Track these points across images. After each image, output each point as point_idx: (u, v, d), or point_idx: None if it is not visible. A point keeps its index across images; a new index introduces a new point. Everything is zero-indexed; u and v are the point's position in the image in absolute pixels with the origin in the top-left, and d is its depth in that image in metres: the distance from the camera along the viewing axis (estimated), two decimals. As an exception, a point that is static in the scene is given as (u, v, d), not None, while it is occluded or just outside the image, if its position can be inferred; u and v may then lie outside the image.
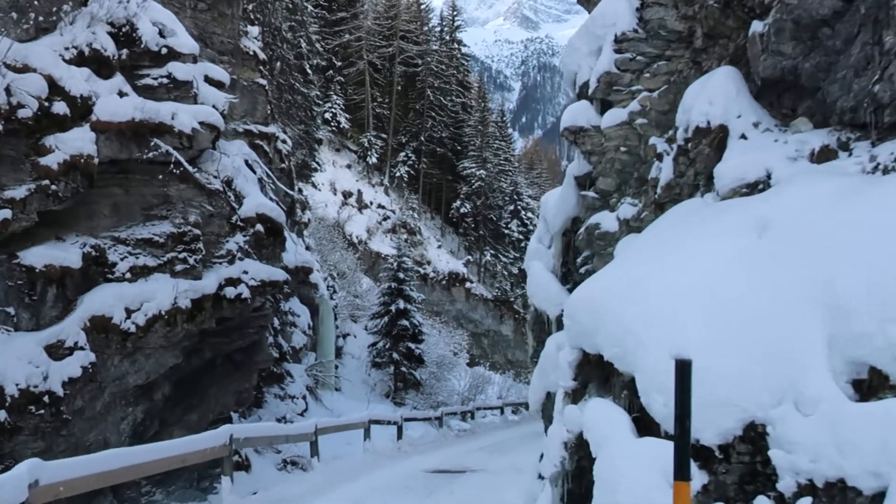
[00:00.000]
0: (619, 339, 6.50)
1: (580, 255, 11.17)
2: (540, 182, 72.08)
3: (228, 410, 16.28)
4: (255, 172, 16.94)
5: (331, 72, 55.16)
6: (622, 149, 9.74)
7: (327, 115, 54.70)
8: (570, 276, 11.84)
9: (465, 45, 66.03)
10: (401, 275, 33.81)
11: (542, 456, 9.37)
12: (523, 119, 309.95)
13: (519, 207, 59.04)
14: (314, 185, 50.37)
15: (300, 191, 46.72)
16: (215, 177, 15.55)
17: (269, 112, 25.15)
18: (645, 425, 6.20)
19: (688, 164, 7.59)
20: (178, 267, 14.48)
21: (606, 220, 10.14)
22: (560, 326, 10.49)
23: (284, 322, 23.75)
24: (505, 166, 59.80)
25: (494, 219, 57.38)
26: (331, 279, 32.13)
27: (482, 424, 31.06)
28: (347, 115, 56.63)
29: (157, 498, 14.59)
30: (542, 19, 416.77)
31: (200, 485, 15.52)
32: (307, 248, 34.21)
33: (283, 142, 26.05)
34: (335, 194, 52.57)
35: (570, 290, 11.07)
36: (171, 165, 14.61)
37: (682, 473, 4.24)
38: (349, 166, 56.16)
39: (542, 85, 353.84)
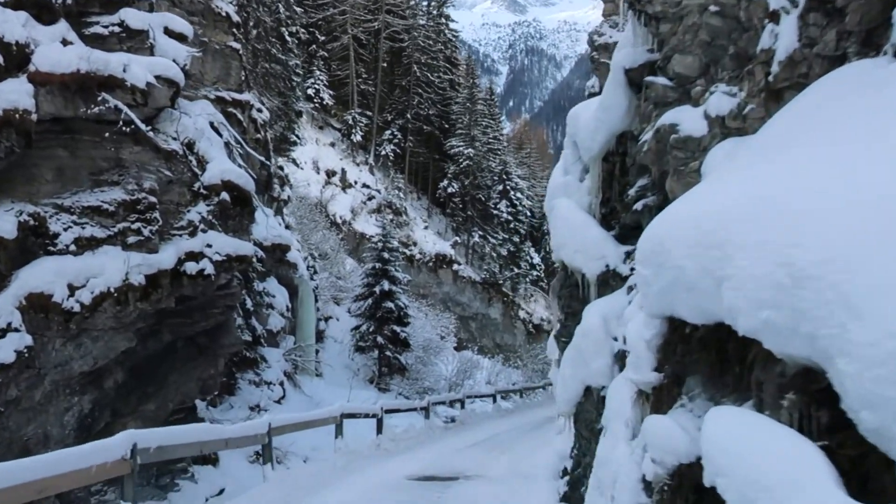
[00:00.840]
0: (780, 294, 3.25)
1: (633, 186, 8.12)
2: (529, 162, 70.50)
3: (192, 399, 14.68)
4: (221, 136, 15.25)
5: (314, 46, 53.23)
6: (712, 8, 6.42)
7: (310, 92, 52.83)
8: (613, 218, 8.92)
9: (453, 21, 64.08)
10: (385, 255, 32.22)
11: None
12: (510, 103, 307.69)
13: (508, 188, 57.37)
14: (296, 164, 48.56)
15: (280, 167, 44.97)
16: (174, 138, 13.87)
17: (243, 78, 23.41)
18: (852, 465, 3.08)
19: (826, 22, 4.59)
20: (131, 239, 12.84)
21: (688, 120, 6.66)
22: (604, 289, 8.09)
23: (259, 303, 22.12)
24: (494, 145, 58.05)
25: (483, 199, 55.71)
26: (311, 259, 30.48)
27: (473, 414, 28.94)
28: (331, 92, 54.76)
29: (108, 497, 12.99)
30: (529, 3, 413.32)
31: (160, 482, 13.94)
32: (287, 226, 32.60)
33: (259, 110, 24.34)
34: (318, 173, 50.78)
35: (619, 238, 8.50)
36: (123, 125, 12.93)
37: None
38: (333, 144, 54.33)
39: (530, 69, 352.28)
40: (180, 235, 13.67)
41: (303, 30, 48.46)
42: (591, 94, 31.92)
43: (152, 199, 13.12)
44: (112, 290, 12.17)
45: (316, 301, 30.19)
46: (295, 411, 22.67)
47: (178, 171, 13.87)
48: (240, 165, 15.62)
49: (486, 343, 53.22)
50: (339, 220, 47.93)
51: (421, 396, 31.71)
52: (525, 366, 44.39)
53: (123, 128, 12.89)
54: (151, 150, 13.47)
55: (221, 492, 14.72)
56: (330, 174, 51.27)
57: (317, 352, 29.23)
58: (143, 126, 13.24)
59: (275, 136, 29.84)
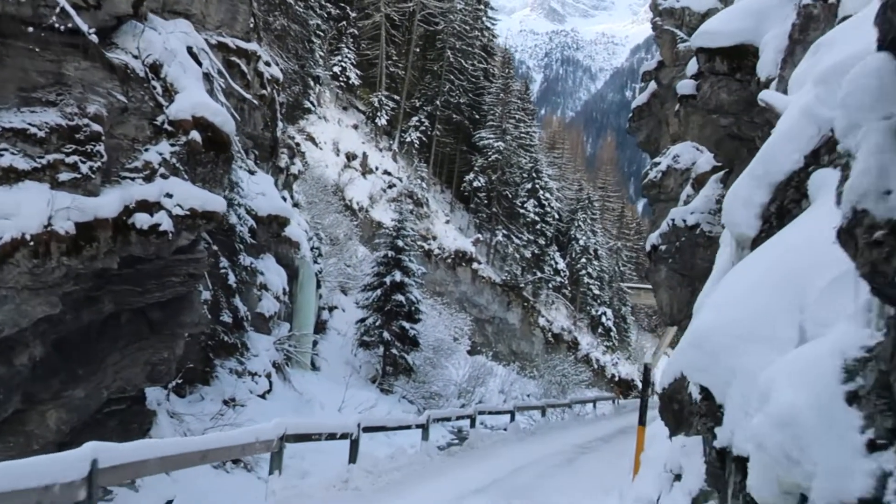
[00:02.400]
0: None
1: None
2: (560, 164, 67.42)
3: (135, 386, 11.71)
4: (200, 65, 12.30)
5: (343, 23, 50.39)
6: None
7: (336, 69, 50.05)
8: None
9: (491, 8, 61.06)
10: (400, 242, 29.22)
11: None
12: (543, 111, 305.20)
13: (537, 186, 54.23)
14: (314, 142, 45.86)
15: (292, 139, 42.20)
16: (135, 56, 10.94)
17: (252, 26, 20.53)
18: None
19: None
20: (64, 175, 9.90)
21: None
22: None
23: (246, 281, 19.16)
24: (525, 140, 54.92)
25: (510, 196, 52.60)
26: (317, 240, 27.55)
27: (484, 435, 22.50)
28: (358, 72, 51.91)
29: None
30: (568, 13, 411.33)
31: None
32: (295, 204, 29.81)
33: (268, 64, 21.40)
34: (338, 155, 47.99)
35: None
36: (67, 32, 10.02)
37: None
38: (356, 127, 51.49)
39: (564, 79, 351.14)
40: (132, 179, 10.73)
41: (331, 4, 45.67)
42: (647, 73, 28.91)
43: (96, 127, 10.17)
44: (28, 237, 9.25)
45: (319, 287, 27.27)
46: (279, 409, 19.90)
47: (137, 99, 10.93)
48: (222, 104, 12.65)
49: (502, 349, 50.13)
50: (355, 206, 45.07)
51: (427, 402, 28.74)
52: (542, 377, 41.22)
53: (67, 35, 9.99)
54: (103, 68, 10.54)
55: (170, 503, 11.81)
56: (350, 157, 48.45)
57: (315, 343, 26.28)
58: (93, 37, 10.33)
59: (288, 101, 26.96)
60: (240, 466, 13.66)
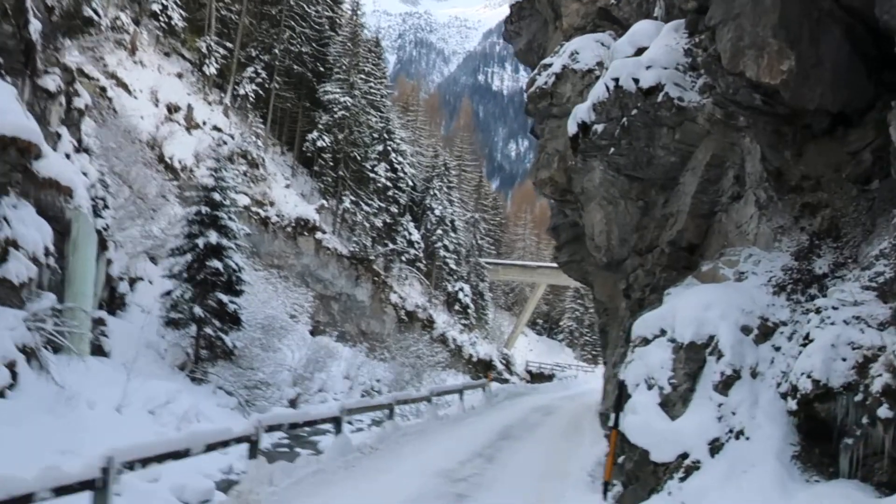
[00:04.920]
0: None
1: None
2: (415, 127, 62.59)
3: None
4: None
5: (166, -47, 43.32)
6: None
7: (156, 7, 42.97)
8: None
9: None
10: (217, 196, 23.50)
11: None
12: (395, 93, 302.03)
13: (389, 148, 49.11)
14: (127, 89, 38.93)
15: (95, 80, 35.21)
16: None
17: None
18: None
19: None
20: None
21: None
22: None
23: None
24: (376, 98, 49.57)
25: (359, 158, 47.16)
26: (101, 188, 21.42)
27: (283, 471, 13.91)
28: (183, 13, 44.95)
29: None
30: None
31: None
32: (84, 150, 23.55)
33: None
34: (157, 106, 41.10)
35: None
36: None
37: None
38: (180, 76, 44.58)
39: (418, 60, 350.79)
40: None
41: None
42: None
43: None
44: None
45: (104, 249, 21.17)
46: (22, 410, 14.28)
47: None
48: None
49: (350, 329, 44.94)
50: (177, 165, 38.50)
51: (251, 392, 23.23)
52: (393, 358, 36.37)
53: None
54: None
55: None
56: (172, 109, 41.68)
57: (99, 321, 20.18)
58: None
59: (61, 11, 20.50)
60: None
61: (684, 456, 8.07)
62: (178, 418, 17.44)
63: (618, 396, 10.01)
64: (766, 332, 8.69)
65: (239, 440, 11.14)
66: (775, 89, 7.96)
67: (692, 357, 8.74)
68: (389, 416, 18.13)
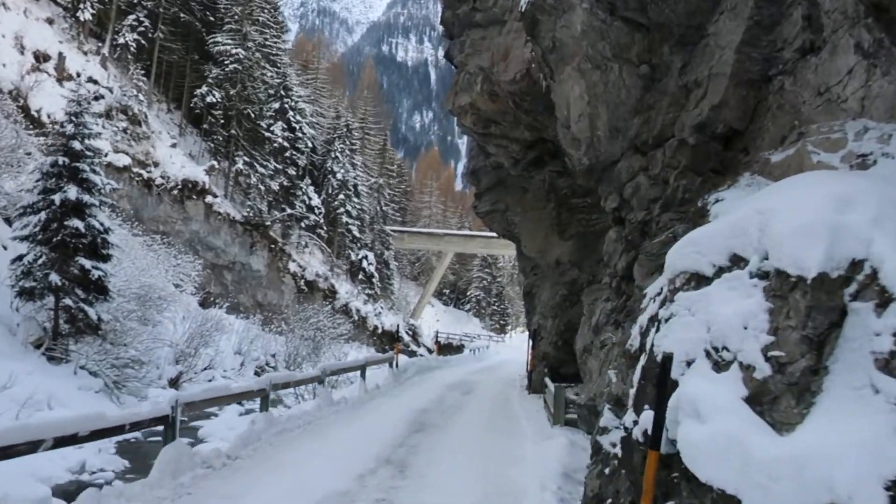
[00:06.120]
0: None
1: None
2: (315, 86, 59.00)
3: None
4: None
5: None
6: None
7: (19, -57, 38.24)
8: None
9: None
10: (77, 145, 20.04)
11: None
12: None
13: (286, 106, 45.62)
14: (-17, 33, 34.40)
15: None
16: None
17: None
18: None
19: None
20: None
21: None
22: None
23: None
24: (271, 51, 45.92)
25: (253, 116, 43.57)
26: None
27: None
28: (53, -49, 40.28)
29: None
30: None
31: None
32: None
33: None
34: (22, 53, 36.67)
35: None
36: None
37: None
38: (50, 21, 40.00)
39: (321, 30, 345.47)
40: None
41: None
42: None
43: None
44: None
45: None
46: None
47: None
48: None
49: (245, 300, 41.75)
50: (45, 119, 34.31)
51: (121, 372, 20.12)
52: (292, 331, 33.52)
53: None
54: None
55: None
56: (41, 58, 37.28)
57: (-75, 292, 16.80)
58: None
59: None
60: None
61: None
62: (20, 405, 14.38)
63: (657, 385, 5.20)
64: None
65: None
66: None
67: (817, 304, 4.39)
68: (263, 407, 13.70)
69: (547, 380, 17.94)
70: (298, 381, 17.15)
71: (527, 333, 30.42)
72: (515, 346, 57.67)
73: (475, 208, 24.77)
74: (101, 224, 20.22)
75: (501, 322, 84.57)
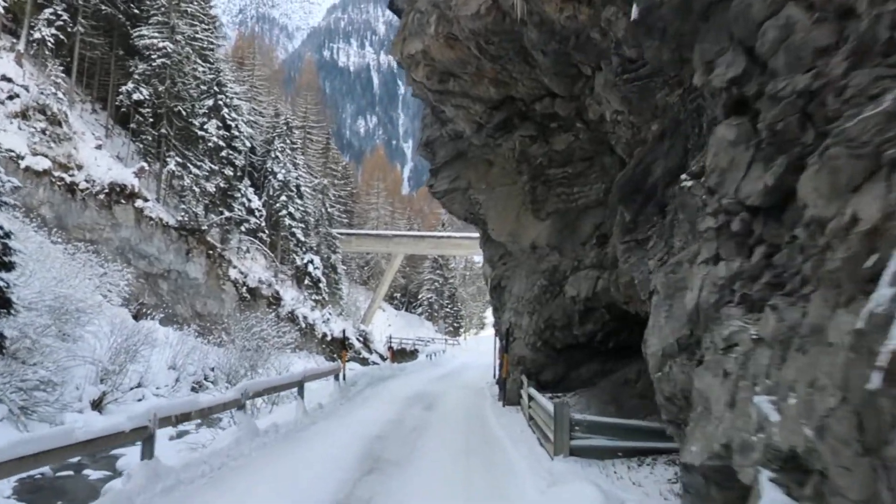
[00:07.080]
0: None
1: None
2: (252, 83, 56.20)
3: None
4: None
5: None
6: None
7: (-82, -71, 35.06)
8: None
9: None
10: (-30, 137, 17.43)
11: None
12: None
13: (221, 103, 42.97)
14: None
15: None
16: None
17: None
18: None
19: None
20: None
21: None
22: None
23: None
24: (203, 42, 43.22)
25: (184, 113, 40.80)
26: None
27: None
28: (-42, -60, 37.07)
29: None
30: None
31: None
32: None
33: None
34: (-76, 50, 33.53)
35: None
36: None
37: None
38: (-43, 15, 36.87)
39: (260, 37, 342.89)
40: None
41: None
42: None
43: None
44: None
45: None
46: None
47: None
48: None
49: (183, 311, 38.99)
50: (-50, 120, 31.31)
51: (29, 396, 17.56)
52: (233, 342, 31.04)
53: None
54: None
55: None
56: (-54, 55, 34.16)
57: None
58: None
59: None
60: None
61: None
62: None
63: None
64: None
65: None
66: None
67: None
68: (146, 453, 9.03)
69: (532, 391, 14.84)
70: (202, 410, 11.07)
71: (484, 334, 28.30)
72: (472, 349, 55.76)
73: (430, 188, 21.37)
74: (1, 228, 17.64)
75: (455, 325, 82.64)
